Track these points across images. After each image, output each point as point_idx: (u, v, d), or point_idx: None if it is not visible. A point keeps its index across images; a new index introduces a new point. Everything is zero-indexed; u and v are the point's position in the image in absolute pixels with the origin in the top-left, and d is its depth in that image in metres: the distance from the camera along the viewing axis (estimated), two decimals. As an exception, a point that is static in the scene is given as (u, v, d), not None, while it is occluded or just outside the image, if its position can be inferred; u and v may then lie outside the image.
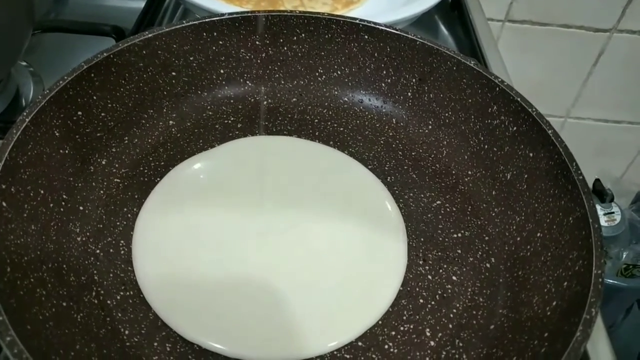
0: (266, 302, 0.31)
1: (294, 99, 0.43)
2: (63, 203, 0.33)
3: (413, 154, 0.40)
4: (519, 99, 0.36)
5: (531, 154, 0.35)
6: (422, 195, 0.38)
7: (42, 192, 0.32)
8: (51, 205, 0.32)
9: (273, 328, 0.30)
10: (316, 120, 0.42)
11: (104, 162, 0.37)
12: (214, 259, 0.33)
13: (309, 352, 0.30)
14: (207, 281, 0.32)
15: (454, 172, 0.39)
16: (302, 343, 0.30)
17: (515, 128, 0.37)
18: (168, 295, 0.31)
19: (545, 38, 0.86)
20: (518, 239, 0.34)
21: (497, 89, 0.37)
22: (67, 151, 0.34)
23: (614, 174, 1.06)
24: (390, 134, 0.42)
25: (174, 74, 0.41)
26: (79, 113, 0.35)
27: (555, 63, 0.90)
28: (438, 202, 0.37)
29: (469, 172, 0.39)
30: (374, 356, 0.30)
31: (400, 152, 0.40)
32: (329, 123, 0.42)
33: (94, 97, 0.37)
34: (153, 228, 0.34)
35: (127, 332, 0.29)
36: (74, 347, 0.27)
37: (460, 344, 0.30)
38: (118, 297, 0.31)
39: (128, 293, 0.31)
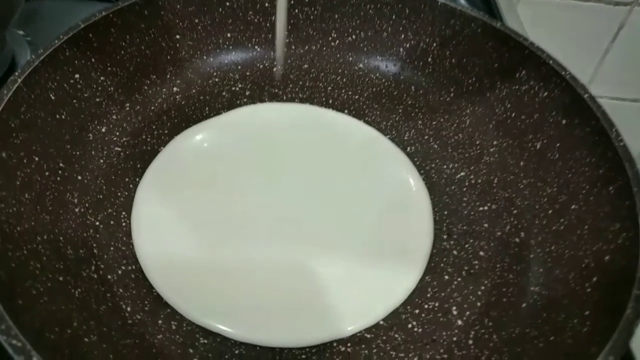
0: (278, 283, 0.29)
1: (306, 65, 0.41)
2: (60, 172, 0.31)
3: (434, 123, 0.38)
4: (550, 62, 0.33)
5: (564, 121, 0.33)
6: (444, 167, 0.35)
7: (36, 158, 0.29)
8: (47, 173, 0.30)
9: (285, 311, 0.28)
10: (329, 88, 0.40)
11: (103, 130, 0.34)
12: (218, 236, 0.31)
13: (325, 335, 0.27)
14: (212, 259, 0.30)
15: (478, 142, 0.36)
16: (317, 327, 0.27)
17: (546, 93, 0.34)
18: (170, 274, 0.29)
19: (562, 12, 0.83)
20: (550, 211, 0.32)
21: (526, 51, 0.35)
22: (63, 116, 0.32)
23: (631, 153, 1.03)
24: (409, 102, 0.39)
25: (178, 37, 0.38)
26: (76, 76, 0.33)
27: (572, 38, 0.86)
28: (462, 173, 0.35)
29: (495, 142, 0.36)
30: (396, 335, 0.27)
31: (420, 121, 0.38)
32: (343, 91, 0.39)
33: (92, 60, 0.34)
34: (154, 201, 0.32)
35: (129, 309, 0.27)
36: (71, 324, 0.24)
37: (490, 323, 0.28)
38: (119, 272, 0.29)
39: (130, 268, 0.29)
